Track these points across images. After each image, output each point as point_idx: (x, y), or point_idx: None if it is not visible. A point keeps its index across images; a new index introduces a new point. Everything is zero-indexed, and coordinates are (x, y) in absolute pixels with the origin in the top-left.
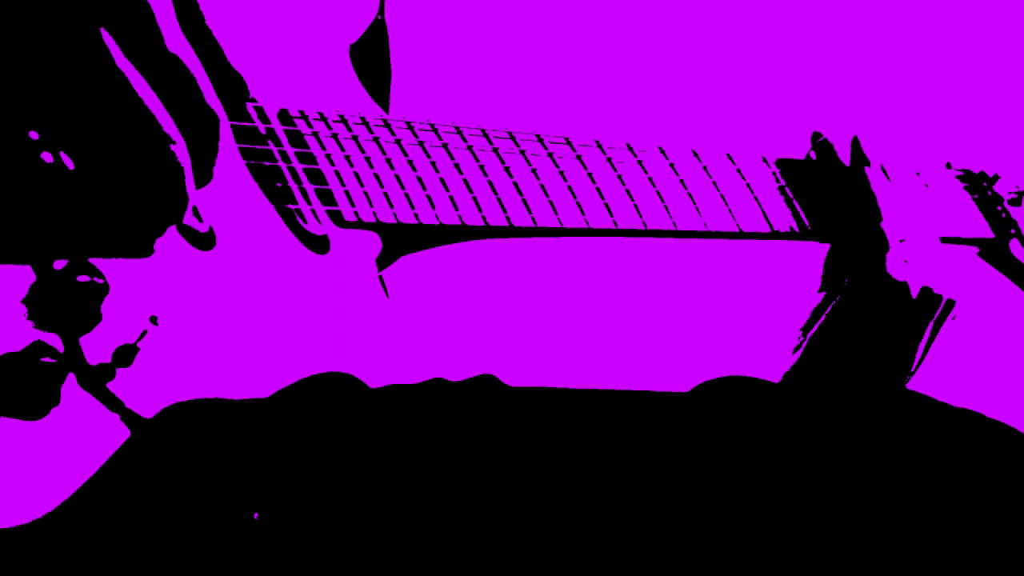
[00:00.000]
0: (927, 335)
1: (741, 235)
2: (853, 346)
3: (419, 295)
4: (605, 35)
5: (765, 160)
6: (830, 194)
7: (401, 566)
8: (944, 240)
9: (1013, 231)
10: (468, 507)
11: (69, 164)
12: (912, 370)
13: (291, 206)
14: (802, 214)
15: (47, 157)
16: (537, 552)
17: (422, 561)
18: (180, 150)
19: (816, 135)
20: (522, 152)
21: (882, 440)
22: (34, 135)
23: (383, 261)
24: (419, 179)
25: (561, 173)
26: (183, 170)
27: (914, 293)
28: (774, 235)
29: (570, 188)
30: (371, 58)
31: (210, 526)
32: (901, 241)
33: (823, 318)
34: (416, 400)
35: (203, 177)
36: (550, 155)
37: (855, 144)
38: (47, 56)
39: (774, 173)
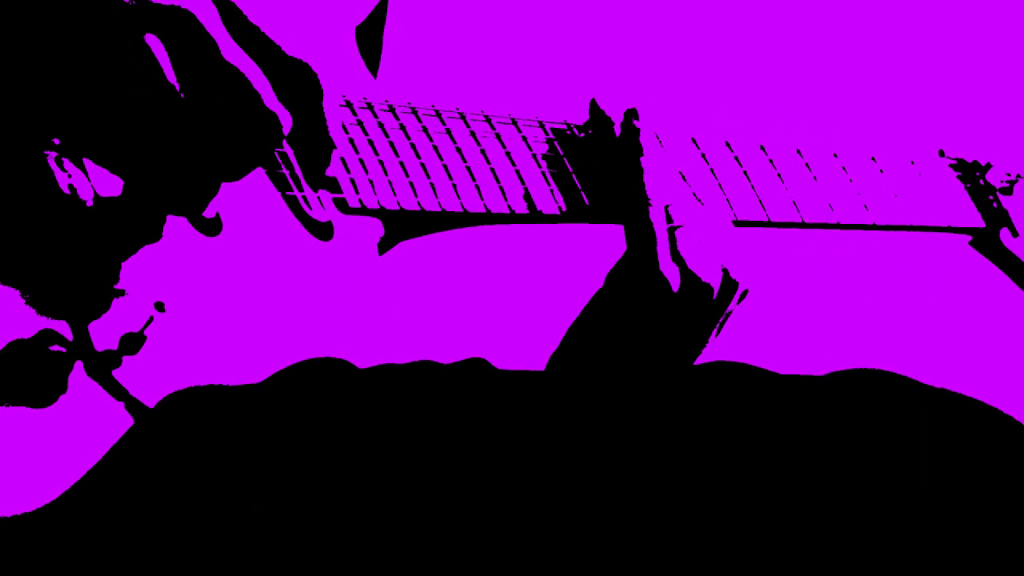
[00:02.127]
0: (710, 323)
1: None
2: (624, 335)
3: (418, 281)
4: (608, 19)
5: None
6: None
7: (393, 550)
8: (936, 229)
9: (1004, 221)
10: (458, 491)
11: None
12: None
13: (296, 193)
14: (583, 194)
15: (64, 163)
16: (526, 537)
17: (414, 546)
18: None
19: (593, 104)
20: (524, 139)
21: (872, 427)
22: (56, 142)
23: (383, 246)
24: (423, 166)
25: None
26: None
27: (702, 277)
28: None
29: (572, 175)
30: (373, 36)
31: (209, 515)
32: (673, 225)
33: (593, 306)
34: (405, 384)
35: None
36: (550, 141)
37: (627, 118)
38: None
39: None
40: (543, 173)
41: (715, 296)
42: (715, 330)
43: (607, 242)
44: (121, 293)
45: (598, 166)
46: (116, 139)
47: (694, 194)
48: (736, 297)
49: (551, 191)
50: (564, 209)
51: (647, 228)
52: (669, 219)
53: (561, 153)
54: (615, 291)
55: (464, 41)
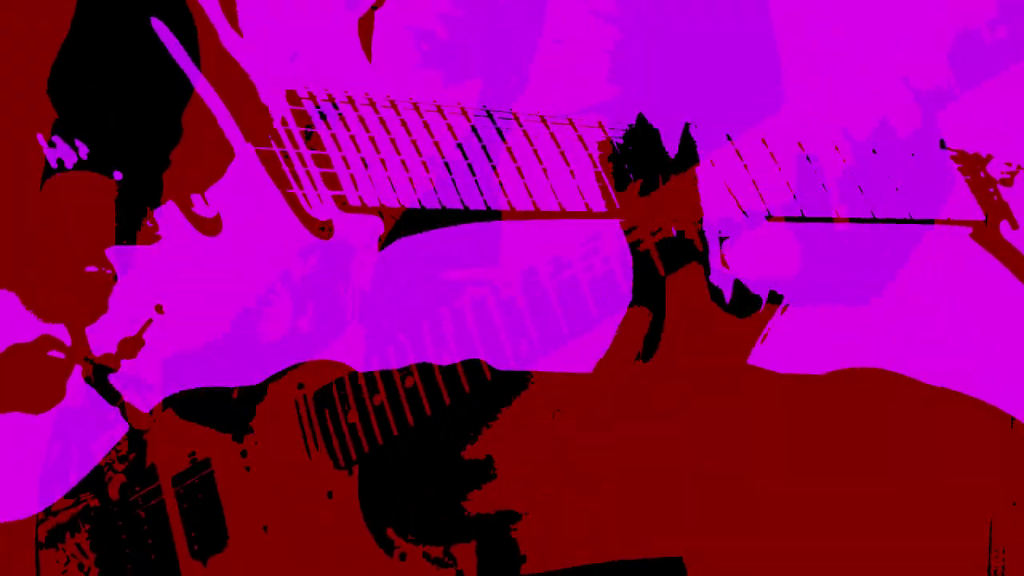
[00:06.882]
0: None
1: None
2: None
3: (417, 277)
4: (608, 16)
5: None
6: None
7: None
8: (936, 222)
9: (1004, 214)
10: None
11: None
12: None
13: (296, 190)
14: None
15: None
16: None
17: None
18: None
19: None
20: (525, 133)
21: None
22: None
23: (383, 243)
24: (424, 164)
25: (563, 154)
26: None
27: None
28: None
29: (572, 172)
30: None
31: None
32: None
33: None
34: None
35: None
36: (552, 136)
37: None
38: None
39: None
40: (543, 169)
41: (763, 308)
42: (761, 338)
43: (606, 239)
44: (112, 279)
45: (643, 173)
46: (117, 126)
47: (738, 204)
48: (780, 309)
49: (550, 187)
50: (590, 208)
51: (702, 241)
52: (720, 231)
53: (597, 152)
54: (659, 302)
55: (471, 34)
